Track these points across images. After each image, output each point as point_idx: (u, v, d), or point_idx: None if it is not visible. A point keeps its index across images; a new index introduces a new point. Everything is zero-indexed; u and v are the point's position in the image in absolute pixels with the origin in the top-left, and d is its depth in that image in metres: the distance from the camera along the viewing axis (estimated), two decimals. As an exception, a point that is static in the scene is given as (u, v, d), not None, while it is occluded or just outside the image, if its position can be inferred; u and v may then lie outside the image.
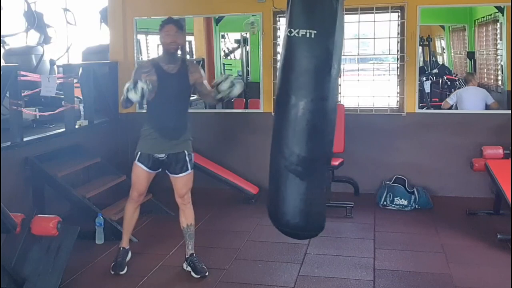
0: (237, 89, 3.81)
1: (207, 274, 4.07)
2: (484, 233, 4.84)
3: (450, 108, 6.93)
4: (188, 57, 9.40)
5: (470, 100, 6.87)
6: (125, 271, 4.17)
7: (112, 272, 4.15)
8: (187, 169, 4.04)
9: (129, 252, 4.32)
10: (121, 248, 4.27)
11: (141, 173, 4.03)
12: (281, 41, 6.31)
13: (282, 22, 6.30)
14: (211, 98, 3.99)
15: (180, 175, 4.04)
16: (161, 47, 4.07)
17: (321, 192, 3.40)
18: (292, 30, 3.13)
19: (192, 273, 4.09)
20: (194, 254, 4.16)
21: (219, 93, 3.80)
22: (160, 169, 4.10)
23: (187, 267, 4.15)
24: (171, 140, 3.96)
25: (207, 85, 4.04)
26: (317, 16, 3.14)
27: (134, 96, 3.64)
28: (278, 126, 3.35)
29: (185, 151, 4.02)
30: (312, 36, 3.10)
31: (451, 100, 7.04)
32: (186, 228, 4.15)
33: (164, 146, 3.97)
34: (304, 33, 3.11)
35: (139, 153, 4.02)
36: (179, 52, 4.06)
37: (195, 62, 3.89)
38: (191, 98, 4.32)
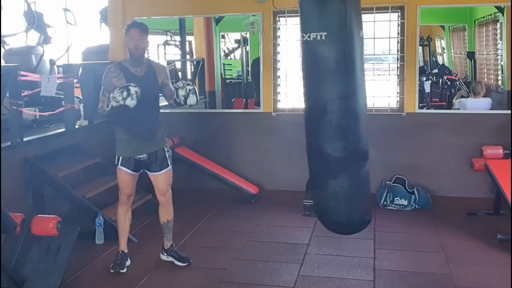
0: (192, 100, 3.93)
1: (191, 261, 4.22)
2: (484, 233, 4.84)
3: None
4: (188, 56, 9.42)
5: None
6: (124, 270, 4.18)
7: (112, 271, 4.16)
8: (168, 165, 4.14)
9: (128, 257, 4.30)
10: (120, 252, 4.26)
11: (125, 176, 4.13)
12: (281, 41, 6.35)
13: (282, 22, 6.31)
14: (172, 100, 4.08)
15: (161, 172, 4.13)
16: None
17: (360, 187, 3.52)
18: (304, 35, 3.20)
19: (177, 262, 4.22)
20: (173, 245, 4.31)
21: (176, 97, 3.95)
22: (142, 170, 4.18)
23: (167, 258, 4.29)
24: (147, 141, 4.05)
25: (171, 86, 4.14)
26: (325, 18, 3.21)
27: (131, 103, 3.74)
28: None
29: (164, 148, 4.13)
30: (323, 38, 3.19)
31: (455, 105, 7.15)
32: (166, 223, 4.27)
33: (142, 147, 4.06)
34: (315, 36, 3.17)
35: (120, 157, 4.10)
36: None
37: (162, 63, 4.00)
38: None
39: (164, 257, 4.32)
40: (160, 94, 4.18)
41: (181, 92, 3.91)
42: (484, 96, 7.01)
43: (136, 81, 3.84)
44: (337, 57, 3.24)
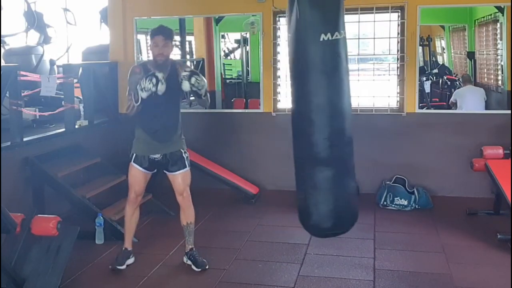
0: (185, 85, 3.84)
1: (207, 267, 4.16)
2: (484, 233, 4.84)
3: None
4: (188, 56, 9.41)
5: (472, 97, 7.13)
6: (123, 267, 4.20)
7: (110, 267, 4.18)
8: (185, 167, 4.14)
9: (132, 255, 4.33)
10: (124, 249, 4.30)
11: (137, 174, 4.13)
12: (281, 41, 6.35)
13: (282, 22, 6.31)
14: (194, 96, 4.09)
15: (178, 172, 4.13)
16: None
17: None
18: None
19: (193, 267, 4.18)
20: (193, 249, 4.25)
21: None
22: (155, 170, 4.20)
23: (187, 261, 4.25)
24: (163, 142, 4.07)
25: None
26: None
27: (162, 87, 3.76)
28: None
29: (181, 150, 4.13)
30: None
31: (453, 99, 7.35)
32: (186, 226, 4.24)
33: (158, 147, 4.07)
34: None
35: (134, 154, 4.12)
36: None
37: (186, 62, 3.99)
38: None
39: (185, 259, 4.28)
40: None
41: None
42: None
43: None
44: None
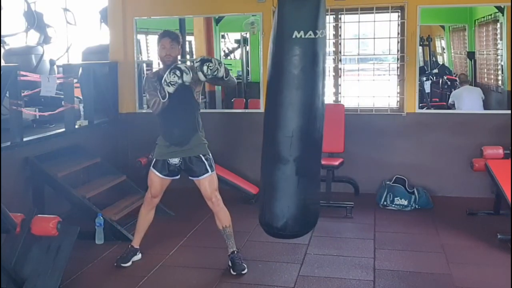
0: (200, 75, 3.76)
1: (243, 272, 4.10)
2: (484, 233, 4.84)
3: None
4: (188, 57, 9.41)
5: (469, 97, 7.16)
6: (128, 264, 4.23)
7: (115, 264, 4.19)
8: (207, 171, 4.12)
9: (138, 252, 4.37)
10: (130, 246, 4.34)
11: (154, 178, 4.18)
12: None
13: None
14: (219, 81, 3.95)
15: (201, 177, 4.11)
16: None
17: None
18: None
19: (231, 270, 4.13)
20: (235, 252, 4.20)
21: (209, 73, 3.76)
22: (177, 176, 4.20)
23: (229, 263, 4.19)
24: (180, 146, 4.07)
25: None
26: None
27: (188, 78, 3.72)
28: None
29: (201, 155, 4.10)
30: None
31: (451, 100, 7.36)
32: (221, 230, 4.21)
33: (176, 151, 4.08)
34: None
35: (154, 160, 4.18)
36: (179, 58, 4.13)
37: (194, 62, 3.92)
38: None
39: (229, 262, 4.20)
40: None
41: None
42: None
43: None
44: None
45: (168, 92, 3.78)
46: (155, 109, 3.91)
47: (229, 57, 10.26)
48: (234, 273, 4.09)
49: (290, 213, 3.27)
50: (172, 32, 4.08)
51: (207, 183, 4.12)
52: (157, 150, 4.16)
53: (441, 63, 10.42)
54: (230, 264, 4.16)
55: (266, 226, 3.39)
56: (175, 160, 4.09)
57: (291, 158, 3.22)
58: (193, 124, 4.10)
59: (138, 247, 4.38)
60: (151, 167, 4.18)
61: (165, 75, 3.79)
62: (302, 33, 3.11)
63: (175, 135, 4.06)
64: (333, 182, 5.70)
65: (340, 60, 6.48)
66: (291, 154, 3.22)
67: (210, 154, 4.16)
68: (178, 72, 3.72)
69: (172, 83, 3.74)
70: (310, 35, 3.10)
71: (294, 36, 3.12)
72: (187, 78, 3.73)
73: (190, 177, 4.17)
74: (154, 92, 3.88)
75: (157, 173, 4.14)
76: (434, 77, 9.31)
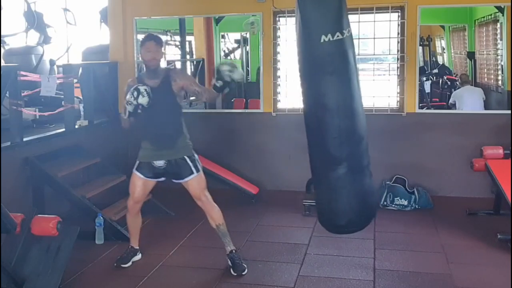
0: (237, 74, 3.92)
1: (244, 273, 4.09)
2: (484, 233, 4.84)
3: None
4: (188, 56, 9.41)
5: (470, 97, 7.19)
6: (128, 265, 4.24)
7: (115, 265, 4.20)
8: (193, 172, 4.10)
9: (138, 252, 4.39)
10: (130, 247, 4.34)
11: (138, 181, 4.13)
12: (281, 41, 6.35)
13: (282, 22, 6.31)
14: (207, 94, 4.09)
15: (187, 179, 4.10)
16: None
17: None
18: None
19: (231, 270, 4.13)
20: (234, 251, 4.20)
21: (218, 79, 3.91)
22: (163, 178, 4.18)
23: (229, 263, 4.19)
24: (165, 149, 4.07)
25: (198, 85, 4.21)
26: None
27: (144, 100, 3.80)
28: None
29: (185, 156, 4.09)
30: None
31: (452, 100, 7.36)
32: (215, 228, 4.22)
33: (162, 153, 4.07)
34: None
35: (137, 162, 4.14)
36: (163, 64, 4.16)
37: (179, 68, 4.08)
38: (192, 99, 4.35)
39: (229, 262, 4.20)
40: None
41: (225, 67, 3.91)
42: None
43: (152, 92, 3.87)
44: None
45: (128, 111, 3.85)
46: (123, 123, 4.00)
47: (229, 57, 10.27)
48: (235, 274, 4.08)
49: (351, 208, 3.35)
50: (156, 35, 4.10)
51: (196, 183, 4.12)
52: (141, 153, 4.13)
53: (441, 63, 10.42)
54: (230, 264, 4.15)
55: (327, 224, 3.51)
56: (160, 163, 4.07)
57: (342, 157, 3.26)
58: (178, 127, 4.12)
59: (137, 247, 4.39)
60: (134, 170, 4.13)
61: (126, 96, 3.85)
62: (329, 36, 3.14)
63: (161, 139, 4.06)
64: (333, 182, 5.70)
65: (340, 60, 6.47)
66: (342, 154, 3.27)
67: (196, 155, 4.16)
68: (135, 94, 3.81)
69: (128, 102, 3.82)
70: (338, 36, 3.14)
71: (322, 41, 3.15)
72: (142, 100, 3.80)
73: (175, 181, 4.14)
74: (123, 109, 3.95)
75: (140, 175, 4.10)
76: (434, 77, 9.31)
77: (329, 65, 3.19)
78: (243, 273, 4.09)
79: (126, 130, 4.12)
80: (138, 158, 4.15)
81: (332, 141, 3.27)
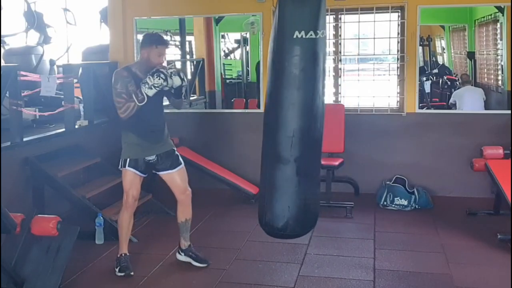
0: (176, 81, 3.88)
1: (210, 262, 4.20)
2: (484, 233, 4.84)
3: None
4: (188, 56, 9.41)
5: (471, 98, 7.15)
6: (132, 272, 4.14)
7: (123, 274, 4.08)
8: (180, 163, 4.18)
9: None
10: (123, 254, 4.19)
11: (133, 178, 4.10)
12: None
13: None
14: (171, 98, 4.16)
15: (175, 169, 4.15)
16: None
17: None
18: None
19: (194, 263, 4.19)
20: (191, 245, 4.28)
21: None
22: (148, 174, 4.20)
23: (185, 258, 4.26)
24: (156, 143, 4.09)
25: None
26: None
27: (177, 81, 3.86)
28: None
29: (173, 148, 4.19)
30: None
31: (452, 100, 7.36)
32: (184, 222, 4.25)
33: (152, 148, 4.09)
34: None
35: (127, 159, 4.08)
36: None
37: (168, 66, 4.07)
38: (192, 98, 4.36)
39: (181, 257, 4.29)
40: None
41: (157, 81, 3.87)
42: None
43: None
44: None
45: (147, 96, 3.83)
46: (128, 113, 3.94)
47: (229, 57, 10.28)
48: (203, 265, 4.19)
49: (291, 213, 3.27)
50: (166, 39, 4.15)
51: (183, 174, 4.18)
52: (131, 150, 4.07)
53: (441, 63, 10.42)
54: (190, 258, 4.23)
55: (267, 226, 3.39)
56: (151, 157, 4.09)
57: (291, 158, 3.23)
58: (164, 123, 4.19)
59: (128, 254, 4.24)
60: (127, 167, 4.06)
61: (147, 78, 3.83)
62: (303, 33, 3.12)
63: (154, 134, 4.09)
64: (333, 182, 5.70)
65: (340, 60, 6.48)
66: (292, 154, 3.22)
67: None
68: (163, 76, 3.82)
69: (156, 85, 3.81)
70: (311, 35, 3.11)
71: (295, 36, 3.13)
72: (171, 82, 3.84)
73: (160, 173, 4.16)
74: (126, 96, 3.91)
75: (134, 171, 4.07)
76: (434, 77, 9.31)
77: (297, 62, 3.17)
78: (210, 263, 4.20)
79: (123, 121, 4.05)
80: (127, 156, 4.08)
81: (285, 139, 3.23)
